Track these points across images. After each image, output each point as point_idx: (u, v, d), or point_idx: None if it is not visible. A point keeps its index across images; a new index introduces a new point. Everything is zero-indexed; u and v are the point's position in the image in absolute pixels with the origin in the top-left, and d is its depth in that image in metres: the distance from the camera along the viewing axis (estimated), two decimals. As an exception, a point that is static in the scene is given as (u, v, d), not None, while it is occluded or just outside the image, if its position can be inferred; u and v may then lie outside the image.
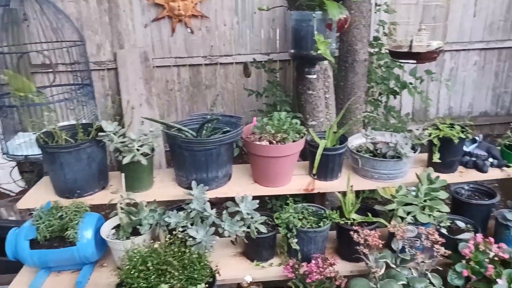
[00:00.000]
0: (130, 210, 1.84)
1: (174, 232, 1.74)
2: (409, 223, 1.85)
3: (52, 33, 2.71)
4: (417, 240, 1.80)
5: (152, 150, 1.98)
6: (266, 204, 3.00)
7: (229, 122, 2.13)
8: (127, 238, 1.79)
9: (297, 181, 2.11)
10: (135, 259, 1.58)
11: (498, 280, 1.60)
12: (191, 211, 1.79)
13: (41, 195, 1.99)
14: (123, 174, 1.87)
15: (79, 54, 2.59)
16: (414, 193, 1.90)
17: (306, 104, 2.87)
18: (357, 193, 2.65)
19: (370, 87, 3.52)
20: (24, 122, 2.38)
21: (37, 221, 1.78)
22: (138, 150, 1.88)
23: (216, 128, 2.10)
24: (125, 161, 1.83)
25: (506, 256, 1.70)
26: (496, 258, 1.71)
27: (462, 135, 2.06)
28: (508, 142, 2.24)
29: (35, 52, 3.06)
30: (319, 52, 2.24)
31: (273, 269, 1.90)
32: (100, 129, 1.93)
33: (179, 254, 1.63)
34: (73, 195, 1.92)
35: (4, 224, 2.64)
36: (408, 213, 1.87)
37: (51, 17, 2.51)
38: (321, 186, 2.07)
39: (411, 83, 3.39)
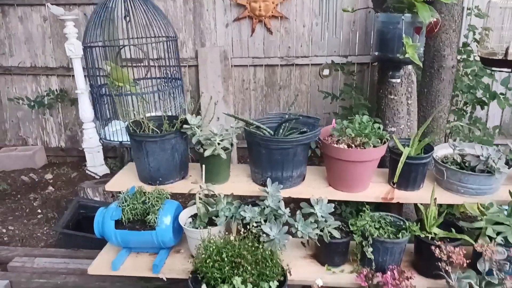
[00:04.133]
0: (208, 201, 1.90)
1: (248, 227, 1.77)
2: (498, 244, 1.70)
3: (146, 29, 2.90)
4: (507, 263, 1.65)
5: (231, 145, 2.03)
6: (335, 210, 2.94)
7: (306, 122, 2.12)
8: (204, 227, 1.85)
9: (374, 188, 2.04)
10: (210, 249, 1.63)
11: None
12: (265, 208, 1.80)
13: (126, 180, 2.13)
14: (203, 166, 1.94)
15: (171, 50, 2.73)
16: (506, 212, 1.74)
17: (387, 109, 2.76)
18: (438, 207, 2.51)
19: (455, 95, 3.31)
20: (118, 110, 2.58)
21: (122, 203, 1.91)
22: (219, 144, 1.94)
23: (293, 128, 2.10)
24: (207, 153, 1.90)
25: None
26: None
27: None
28: None
29: (127, 47, 3.30)
30: (406, 55, 2.14)
31: (344, 275, 1.85)
32: (185, 122, 2.02)
33: (253, 248, 1.66)
34: (155, 182, 2.03)
35: (90, 204, 2.88)
36: (498, 233, 1.71)
37: (149, 14, 2.68)
38: (401, 196, 1.98)
39: (502, 94, 3.12)
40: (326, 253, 1.89)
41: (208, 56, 3.81)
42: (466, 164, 1.98)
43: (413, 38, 2.23)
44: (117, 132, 2.44)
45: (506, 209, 1.77)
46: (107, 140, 2.50)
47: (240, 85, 3.99)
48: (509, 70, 2.30)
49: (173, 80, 2.70)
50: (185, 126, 1.98)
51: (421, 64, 2.22)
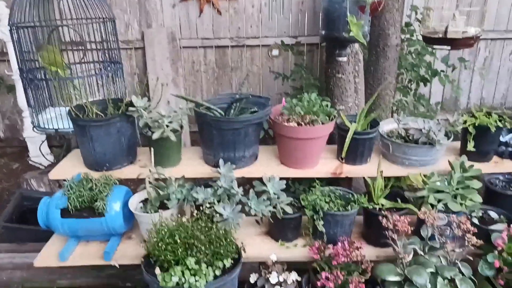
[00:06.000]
0: (158, 184, 1.86)
1: (201, 208, 1.75)
2: (440, 211, 1.81)
3: (82, 10, 2.72)
4: (448, 229, 1.76)
5: (181, 127, 1.98)
6: (289, 188, 2.99)
7: (257, 102, 2.11)
8: (155, 211, 1.81)
9: (324, 164, 2.08)
10: (162, 232, 1.60)
11: (532, 272, 1.55)
12: (218, 188, 1.79)
13: (72, 167, 2.03)
14: (152, 149, 1.88)
15: (109, 32, 2.59)
16: (446, 181, 1.85)
17: (335, 88, 2.82)
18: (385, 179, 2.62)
19: (400, 73, 3.44)
20: (54, 96, 2.42)
21: (68, 191, 1.82)
22: (167, 126, 1.89)
23: (244, 109, 2.09)
24: (155, 136, 1.84)
25: (542, 248, 1.64)
26: (530, 251, 1.65)
27: (500, 124, 1.98)
28: (547, 133, 2.15)
29: (66, 29, 3.10)
30: (351, 34, 2.18)
31: (298, 249, 1.89)
32: (130, 104, 1.94)
33: (206, 229, 1.65)
34: (102, 168, 1.95)
35: (35, 195, 2.72)
36: (439, 201, 1.82)
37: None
38: (349, 170, 2.04)
39: (442, 71, 3.29)
40: (279, 229, 1.92)
41: (155, 37, 3.67)
42: (410, 138, 2.07)
43: (358, 17, 2.27)
44: (52, 119, 2.29)
45: (445, 178, 1.88)
46: (41, 128, 2.34)
47: (191, 67, 3.89)
48: (449, 47, 2.41)
49: (113, 64, 2.57)
50: (130, 108, 1.90)
51: (365, 42, 2.27)
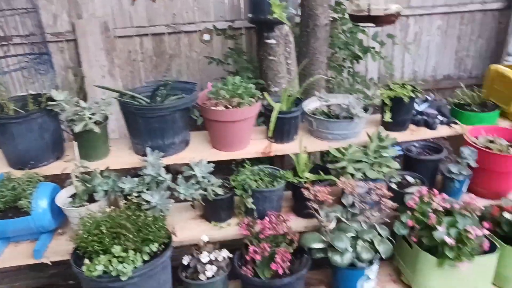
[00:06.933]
0: (85, 178, 1.85)
1: (129, 197, 1.76)
2: (360, 180, 1.92)
3: (2, 2, 2.59)
4: (368, 195, 1.88)
5: (106, 118, 1.97)
6: (232, 171, 3.04)
7: (184, 88, 2.13)
8: (83, 205, 1.81)
9: (255, 145, 2.15)
10: (88, 224, 1.60)
11: (438, 227, 1.70)
12: (145, 177, 1.81)
13: (-5, 168, 1.97)
14: (75, 143, 1.86)
15: (33, 24, 2.49)
16: (362, 151, 1.97)
17: (268, 70, 2.88)
18: (322, 155, 2.73)
19: (334, 52, 3.54)
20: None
21: (-11, 193, 1.77)
22: (90, 118, 1.87)
23: (173, 95, 2.10)
24: (77, 129, 1.82)
25: (448, 205, 1.80)
26: (440, 209, 1.81)
27: (412, 95, 2.12)
28: (457, 101, 2.33)
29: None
30: (274, 15, 2.23)
31: (231, 228, 1.96)
32: (52, 99, 1.90)
33: (134, 217, 1.67)
34: (26, 166, 1.91)
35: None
36: (359, 170, 1.93)
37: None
38: (277, 148, 2.11)
39: (373, 48, 3.43)
40: (212, 210, 1.98)
41: (87, 28, 3.56)
42: (332, 113, 2.18)
43: (281, -1, 2.32)
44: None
45: (362, 148, 2.00)
46: None
47: (127, 56, 3.81)
48: (373, 25, 2.51)
49: (41, 56, 2.48)
50: (50, 103, 1.86)
51: (288, 23, 2.34)
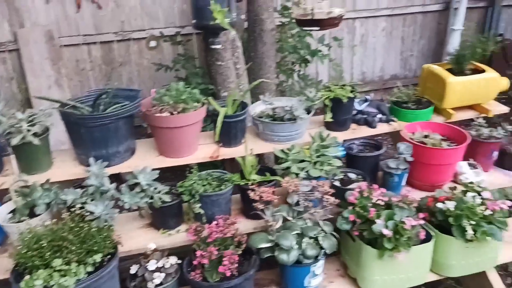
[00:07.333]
0: (24, 192, 1.80)
1: (72, 209, 1.73)
2: (304, 178, 1.99)
3: None
4: (313, 193, 1.95)
5: (46, 129, 1.92)
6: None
7: (129, 96, 2.11)
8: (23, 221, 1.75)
9: (203, 149, 2.16)
10: (27, 239, 1.56)
11: (377, 220, 1.79)
12: (89, 187, 1.79)
13: None
14: (13, 156, 1.81)
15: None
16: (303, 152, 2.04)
17: (217, 75, 2.91)
18: (276, 159, 2.78)
19: (284, 56, 3.63)
20: None
21: None
22: (28, 130, 1.82)
23: (117, 103, 2.08)
24: (14, 142, 1.77)
25: (386, 199, 1.90)
26: (381, 203, 1.90)
27: (351, 95, 2.21)
28: (395, 99, 2.46)
29: None
30: (216, 21, 2.26)
31: (180, 235, 1.96)
32: (-15, 112, 1.84)
33: (77, 229, 1.64)
34: (-39, 183, 1.83)
35: None
36: (303, 169, 2.00)
37: None
38: (225, 152, 2.14)
39: (320, 51, 3.54)
40: (160, 218, 1.98)
41: (30, 37, 3.45)
42: (277, 116, 2.23)
43: (223, 4, 2.36)
44: None
45: (307, 149, 2.07)
46: None
47: (75, 66, 3.73)
48: (317, 28, 2.59)
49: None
50: (-17, 116, 1.80)
51: (231, 29, 2.36)
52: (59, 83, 3.51)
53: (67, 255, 1.56)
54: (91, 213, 1.73)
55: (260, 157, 2.79)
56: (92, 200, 1.80)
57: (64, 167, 2.01)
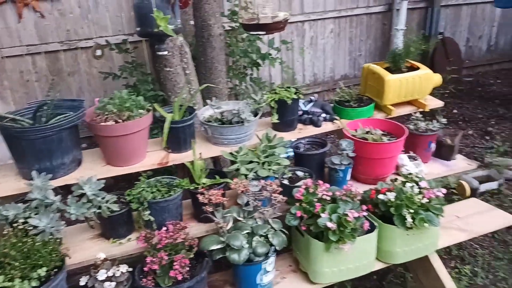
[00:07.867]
0: (-38, 210, 1.73)
1: (14, 225, 1.69)
2: (253, 179, 2.04)
3: None
4: (263, 193, 2.00)
5: (-16, 144, 1.86)
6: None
7: (72, 106, 2.08)
8: (-39, 239, 1.69)
9: (151, 156, 2.16)
10: (-36, 259, 1.51)
11: (322, 214, 1.87)
12: (32, 201, 1.75)
13: None
14: None
15: None
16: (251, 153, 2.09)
17: (166, 82, 2.91)
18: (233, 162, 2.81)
19: (236, 60, 3.68)
20: None
21: None
22: (-37, 146, 1.76)
23: (60, 114, 2.04)
24: None
25: (330, 194, 1.98)
26: (326, 198, 1.98)
27: (295, 96, 2.30)
28: (338, 99, 2.57)
29: None
30: (160, 28, 2.27)
31: (130, 243, 1.95)
32: None
33: (19, 244, 1.61)
34: None
35: None
36: (251, 170, 2.05)
37: None
38: (174, 158, 2.15)
39: (270, 54, 3.62)
40: (110, 227, 1.96)
41: (-32, 49, 3.30)
42: (226, 120, 2.28)
43: (166, 11, 2.37)
44: None
45: (254, 150, 2.12)
46: None
47: (19, 77, 3.60)
48: (264, 33, 2.65)
49: None
50: None
51: (175, 35, 2.38)
52: (2, 95, 3.38)
53: (10, 271, 1.53)
54: (35, 227, 1.69)
55: (216, 160, 2.82)
56: (36, 214, 1.76)
57: (5, 182, 1.95)
